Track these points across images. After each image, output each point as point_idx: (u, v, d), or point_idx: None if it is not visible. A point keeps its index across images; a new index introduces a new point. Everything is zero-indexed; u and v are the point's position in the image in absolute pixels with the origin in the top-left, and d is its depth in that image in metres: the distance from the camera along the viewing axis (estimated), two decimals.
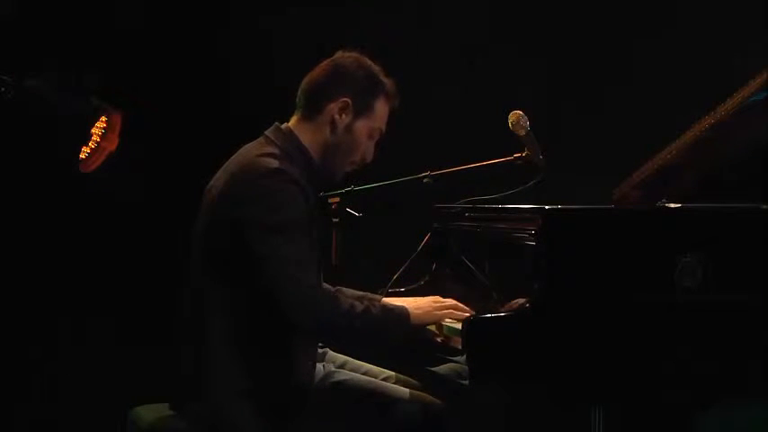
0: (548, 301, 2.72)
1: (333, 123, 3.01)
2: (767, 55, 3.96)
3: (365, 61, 3.06)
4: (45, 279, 4.32)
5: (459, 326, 2.78)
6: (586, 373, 2.73)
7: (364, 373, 3.12)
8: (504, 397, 3.20)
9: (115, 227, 4.39)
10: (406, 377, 3.15)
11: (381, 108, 3.05)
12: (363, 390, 2.98)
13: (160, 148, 4.37)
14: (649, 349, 2.74)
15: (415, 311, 2.93)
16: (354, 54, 3.07)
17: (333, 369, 3.08)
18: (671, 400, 2.78)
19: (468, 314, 2.95)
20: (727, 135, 3.11)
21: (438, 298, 3.02)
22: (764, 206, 2.88)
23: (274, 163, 2.88)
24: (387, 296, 3.21)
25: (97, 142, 3.78)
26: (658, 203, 3.06)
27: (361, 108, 3.02)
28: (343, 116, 3.01)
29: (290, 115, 3.08)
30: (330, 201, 3.37)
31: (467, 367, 2.76)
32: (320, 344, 3.09)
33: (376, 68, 3.06)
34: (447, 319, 2.96)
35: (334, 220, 3.37)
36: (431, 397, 3.00)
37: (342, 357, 3.19)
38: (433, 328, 2.98)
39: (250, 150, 2.98)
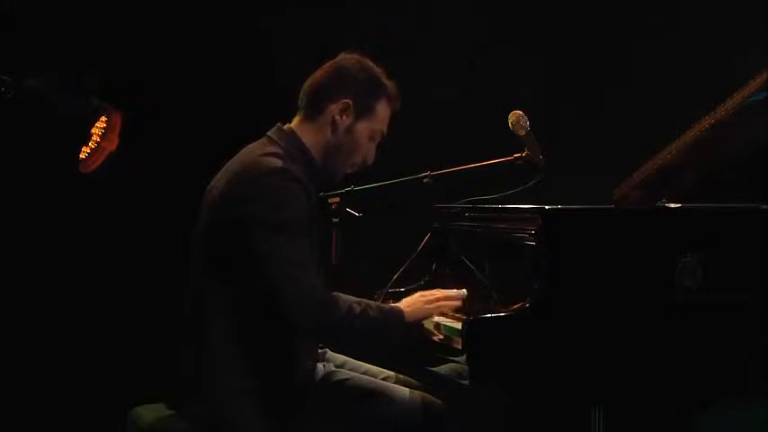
0: (548, 301, 2.72)
1: (334, 124, 3.02)
2: (767, 55, 3.96)
3: (367, 63, 3.07)
4: (45, 279, 4.32)
5: (459, 326, 2.78)
6: (586, 373, 2.73)
7: (364, 373, 3.12)
8: (504, 397, 3.21)
9: (115, 227, 4.39)
10: (405, 377, 3.15)
11: (383, 110, 3.06)
12: (364, 389, 2.99)
13: (160, 148, 4.37)
14: (649, 349, 2.74)
15: (407, 309, 2.94)
16: (357, 56, 3.08)
17: (333, 368, 3.08)
18: (671, 400, 2.78)
19: (455, 298, 2.97)
20: (727, 135, 3.11)
21: (424, 293, 3.03)
22: (764, 206, 2.88)
23: (277, 162, 2.89)
24: (387, 296, 3.22)
25: (97, 142, 3.78)
26: (658, 203, 3.06)
27: (363, 109, 3.02)
28: (344, 117, 3.02)
29: (292, 116, 3.09)
30: (330, 201, 3.37)
31: (467, 367, 2.76)
32: (320, 344, 3.09)
33: (378, 70, 3.07)
34: (448, 320, 2.96)
35: (334, 220, 3.37)
36: (431, 396, 3.00)
37: (341, 357, 3.19)
38: (432, 327, 2.98)
39: (253, 150, 2.99)
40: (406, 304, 2.98)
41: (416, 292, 3.23)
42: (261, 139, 3.03)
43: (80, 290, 4.36)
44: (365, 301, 2.90)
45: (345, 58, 3.08)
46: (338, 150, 3.03)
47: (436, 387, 3.08)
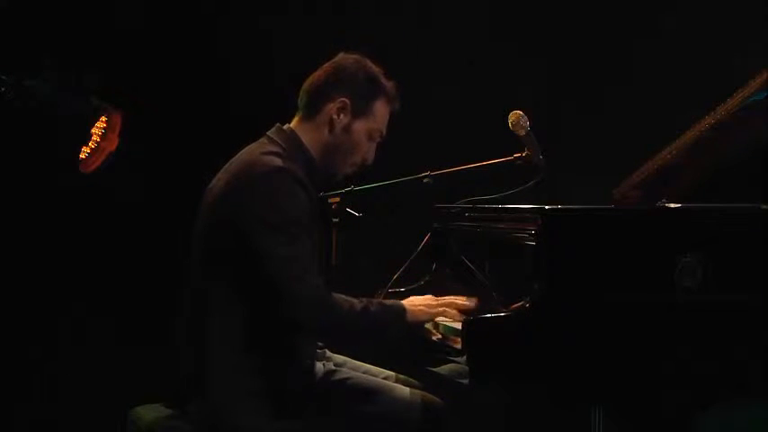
0: (548, 301, 2.72)
1: (331, 123, 3.02)
2: (767, 55, 3.96)
3: (366, 63, 3.07)
4: (45, 279, 4.32)
5: (458, 326, 2.78)
6: (586, 373, 2.73)
7: (364, 373, 3.12)
8: (504, 397, 3.21)
9: (115, 227, 4.39)
10: (405, 377, 3.15)
11: (381, 110, 3.06)
12: (364, 388, 2.99)
13: (160, 148, 4.37)
14: (649, 349, 2.74)
15: (411, 308, 2.94)
16: (356, 56, 3.09)
17: (333, 368, 3.08)
18: (671, 400, 2.78)
19: (465, 306, 2.98)
20: (727, 135, 3.11)
21: (433, 297, 3.03)
22: (764, 206, 2.88)
23: (278, 161, 2.90)
24: (387, 296, 3.22)
25: (97, 142, 3.79)
26: (658, 203, 3.06)
27: (360, 109, 3.03)
28: (342, 116, 3.02)
29: (291, 116, 3.09)
30: (330, 201, 3.37)
31: (467, 367, 2.76)
32: (319, 343, 3.10)
33: (377, 70, 3.07)
34: (447, 320, 2.96)
35: (334, 220, 3.37)
36: (431, 396, 3.00)
37: (341, 357, 3.19)
38: (431, 327, 2.98)
39: (253, 150, 2.99)
40: (410, 302, 2.98)
41: (416, 292, 3.24)
42: (260, 139, 3.04)
43: (80, 290, 4.36)
44: (366, 299, 2.90)
45: (344, 57, 3.09)
46: (336, 150, 3.03)
47: (436, 387, 3.08)
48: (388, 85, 3.07)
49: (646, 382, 2.75)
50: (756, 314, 2.77)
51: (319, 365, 3.05)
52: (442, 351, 2.97)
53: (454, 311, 2.97)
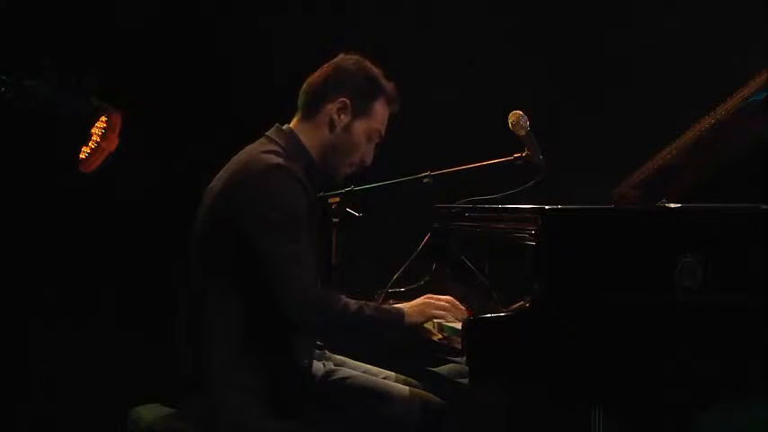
0: (548, 301, 2.71)
1: (331, 123, 3.03)
2: (767, 55, 3.96)
3: (366, 64, 3.08)
4: (45, 279, 4.32)
5: (459, 326, 2.78)
6: (586, 373, 2.73)
7: (363, 373, 3.12)
8: (504, 397, 3.21)
9: (115, 227, 4.39)
10: (405, 377, 3.15)
11: (381, 110, 3.07)
12: (363, 388, 2.99)
13: (160, 148, 4.37)
14: (649, 349, 2.74)
15: (410, 310, 2.94)
16: (356, 56, 3.09)
17: (333, 367, 3.08)
18: (671, 400, 2.78)
19: (462, 311, 2.97)
20: (727, 135, 3.11)
21: (432, 296, 3.03)
22: (764, 206, 2.88)
23: (277, 159, 2.90)
24: (386, 296, 3.22)
25: (97, 142, 3.79)
26: (658, 203, 3.06)
27: (360, 109, 3.03)
28: (342, 116, 3.02)
29: (291, 116, 3.09)
30: (330, 201, 3.37)
31: (467, 367, 2.76)
32: (318, 342, 3.10)
33: (376, 71, 3.08)
34: (447, 320, 2.96)
35: (334, 220, 3.37)
36: (431, 396, 3.00)
37: (340, 357, 3.19)
38: (432, 327, 2.98)
39: (252, 150, 3.00)
40: (409, 305, 2.98)
41: (416, 292, 3.24)
42: (260, 140, 3.04)
43: (80, 289, 4.36)
44: (364, 302, 2.90)
45: (344, 58, 3.09)
46: (336, 149, 3.04)
47: (436, 387, 3.08)
48: (388, 85, 3.08)
49: (646, 382, 2.75)
50: (756, 314, 2.77)
51: (319, 365, 3.06)
52: (442, 351, 2.97)
53: (453, 311, 2.97)
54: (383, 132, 3.10)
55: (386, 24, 4.47)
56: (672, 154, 3.19)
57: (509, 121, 3.20)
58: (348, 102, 3.02)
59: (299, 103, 3.08)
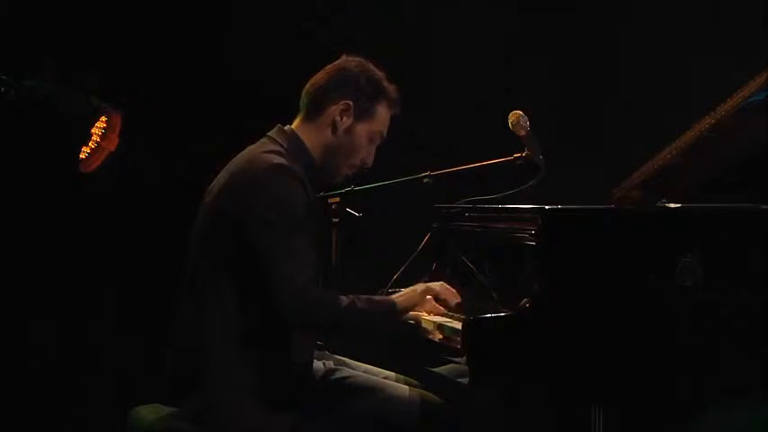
0: (548, 301, 2.72)
1: (334, 125, 3.03)
2: (767, 55, 3.96)
3: (368, 66, 3.08)
4: (45, 279, 4.32)
5: (459, 326, 2.78)
6: (586, 373, 2.73)
7: (363, 372, 3.12)
8: (504, 397, 3.20)
9: (115, 227, 4.39)
10: (405, 377, 3.15)
11: (383, 113, 3.07)
12: (363, 387, 2.99)
13: (160, 148, 4.37)
14: (649, 349, 2.74)
15: (400, 297, 2.97)
16: (358, 58, 3.09)
17: (333, 366, 3.08)
18: (671, 400, 2.78)
19: (453, 292, 3.00)
20: (727, 135, 3.11)
21: (421, 284, 3.05)
22: (764, 206, 2.88)
23: (278, 159, 2.90)
24: (386, 296, 3.22)
25: (97, 142, 3.79)
26: (658, 203, 3.06)
27: (363, 111, 3.04)
28: (344, 118, 3.03)
29: (292, 117, 3.09)
30: (330, 201, 3.37)
31: (467, 367, 2.76)
32: (319, 341, 3.10)
33: (379, 74, 3.08)
34: (447, 320, 2.96)
35: (334, 220, 3.37)
36: (431, 395, 3.00)
37: (340, 357, 3.19)
38: (432, 328, 2.98)
39: (253, 150, 3.00)
40: (399, 293, 3.01)
41: None
42: (262, 140, 3.04)
43: (80, 289, 4.36)
44: (354, 295, 2.91)
45: (347, 60, 3.10)
46: (337, 151, 3.04)
47: (436, 387, 3.08)
48: (391, 88, 3.08)
49: (646, 382, 2.75)
50: (756, 314, 2.77)
51: (319, 364, 3.06)
52: (442, 351, 2.97)
53: (444, 291, 2.99)
54: (384, 134, 3.11)
55: (386, 24, 4.47)
56: (672, 154, 3.19)
57: (509, 121, 3.20)
58: (351, 104, 3.02)
59: (302, 103, 3.08)
